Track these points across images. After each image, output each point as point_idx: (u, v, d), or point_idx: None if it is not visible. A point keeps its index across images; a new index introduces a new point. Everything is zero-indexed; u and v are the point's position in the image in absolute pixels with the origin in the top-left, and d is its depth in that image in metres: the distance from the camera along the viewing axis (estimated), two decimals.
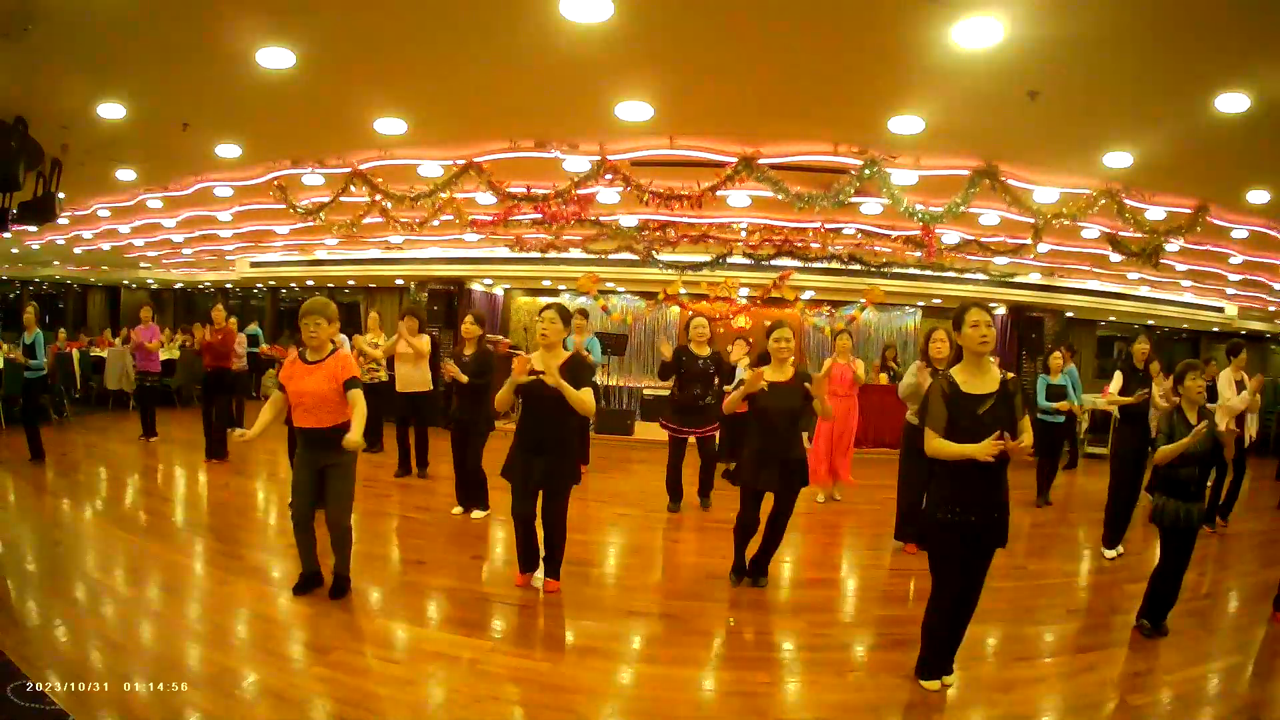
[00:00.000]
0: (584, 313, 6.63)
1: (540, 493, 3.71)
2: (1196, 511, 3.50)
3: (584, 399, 3.55)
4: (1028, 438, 2.82)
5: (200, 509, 5.36)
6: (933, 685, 2.96)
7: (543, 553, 3.87)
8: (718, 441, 5.85)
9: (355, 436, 3.39)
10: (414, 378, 6.25)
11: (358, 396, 3.51)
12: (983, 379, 2.82)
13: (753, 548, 4.07)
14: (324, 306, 3.54)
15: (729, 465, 6.35)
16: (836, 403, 5.74)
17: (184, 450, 7.34)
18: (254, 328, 11.11)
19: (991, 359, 2.88)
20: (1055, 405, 6.23)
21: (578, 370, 3.61)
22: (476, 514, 5.27)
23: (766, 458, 3.81)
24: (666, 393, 6.24)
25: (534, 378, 3.54)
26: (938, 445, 2.81)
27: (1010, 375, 2.87)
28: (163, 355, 9.76)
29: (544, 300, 13.21)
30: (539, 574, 3.89)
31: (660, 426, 5.82)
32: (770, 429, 3.82)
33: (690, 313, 6.89)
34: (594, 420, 7.73)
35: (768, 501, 3.88)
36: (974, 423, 2.72)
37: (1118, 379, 5.23)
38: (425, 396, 6.37)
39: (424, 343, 6.23)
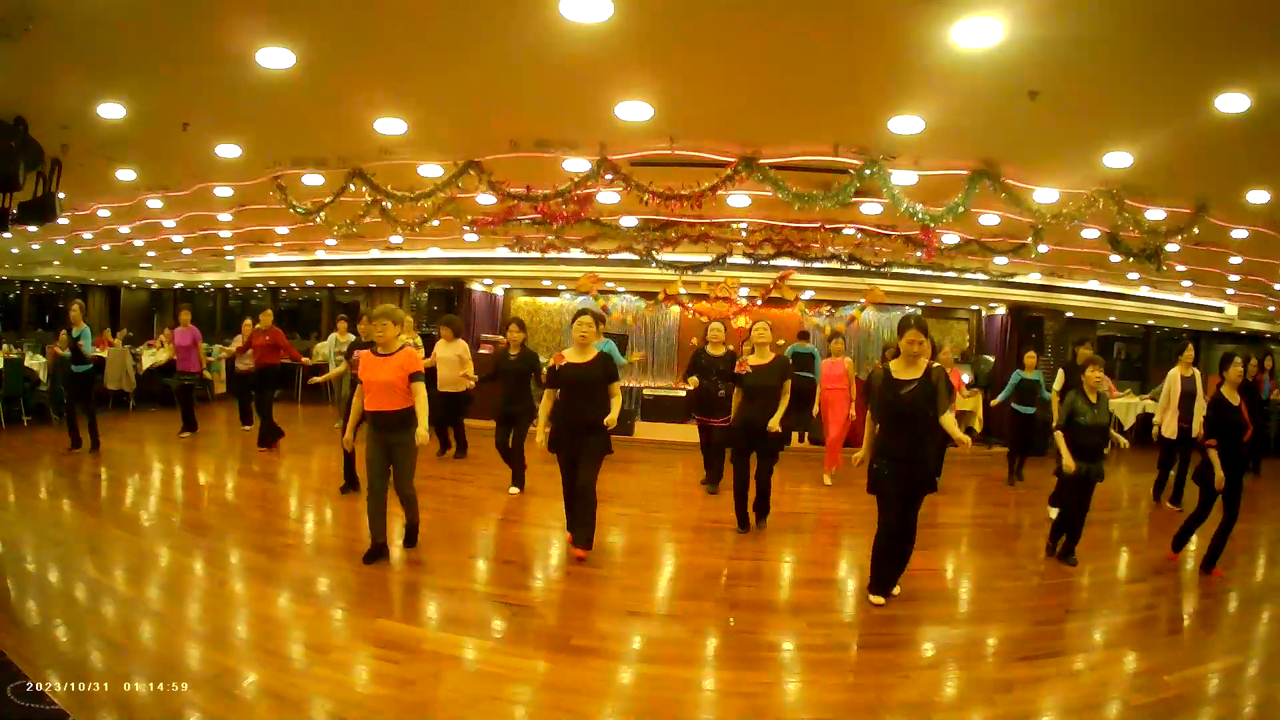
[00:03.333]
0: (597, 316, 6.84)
1: (578, 462, 4.24)
2: (1095, 470, 4.54)
3: (617, 391, 4.37)
4: (951, 399, 3.87)
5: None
6: (879, 599, 3.78)
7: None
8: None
9: (422, 430, 3.95)
10: (453, 379, 6.68)
11: (419, 389, 4.05)
12: (910, 370, 3.74)
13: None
14: (392, 312, 4.14)
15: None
16: (833, 395, 6.89)
17: (191, 452, 7.34)
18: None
19: (956, 363, 3.58)
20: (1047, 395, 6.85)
21: (609, 366, 4.33)
22: (513, 490, 5.97)
23: (746, 423, 4.87)
24: (666, 393, 7.18)
25: (572, 367, 4.25)
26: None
27: (935, 365, 3.76)
28: (162, 357, 9.82)
29: (544, 300, 13.27)
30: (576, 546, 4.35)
31: (691, 418, 6.75)
32: (751, 401, 4.87)
33: (707, 319, 7.86)
34: None
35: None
36: (896, 397, 3.70)
37: (1060, 376, 6.39)
38: (461, 395, 6.85)
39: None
